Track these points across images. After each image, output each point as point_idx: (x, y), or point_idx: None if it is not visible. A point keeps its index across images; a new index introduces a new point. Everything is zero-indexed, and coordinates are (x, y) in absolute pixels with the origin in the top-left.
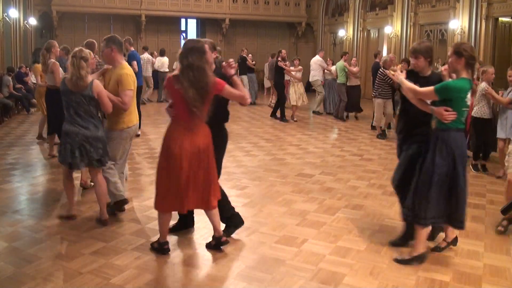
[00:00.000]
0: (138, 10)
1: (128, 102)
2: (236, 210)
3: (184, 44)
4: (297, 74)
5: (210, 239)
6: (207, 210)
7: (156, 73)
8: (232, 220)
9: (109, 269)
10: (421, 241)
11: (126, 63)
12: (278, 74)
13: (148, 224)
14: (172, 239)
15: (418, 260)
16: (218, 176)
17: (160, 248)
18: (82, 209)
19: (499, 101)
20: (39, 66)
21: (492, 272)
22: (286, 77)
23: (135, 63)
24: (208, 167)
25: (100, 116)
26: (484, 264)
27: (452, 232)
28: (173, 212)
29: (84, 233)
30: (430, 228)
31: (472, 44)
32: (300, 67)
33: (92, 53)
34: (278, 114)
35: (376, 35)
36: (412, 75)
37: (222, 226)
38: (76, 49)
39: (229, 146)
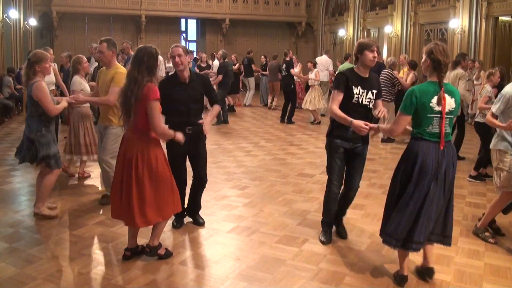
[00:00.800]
0: (138, 11)
1: (113, 99)
2: (237, 210)
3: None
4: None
5: (210, 239)
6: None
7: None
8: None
9: (109, 269)
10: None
11: (119, 64)
12: (288, 76)
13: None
14: (172, 240)
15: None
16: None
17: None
18: (82, 210)
19: None
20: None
21: (493, 272)
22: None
23: None
24: (137, 181)
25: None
26: (485, 263)
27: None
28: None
29: (84, 233)
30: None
31: (473, 44)
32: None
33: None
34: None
35: (376, 34)
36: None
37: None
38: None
39: (230, 146)
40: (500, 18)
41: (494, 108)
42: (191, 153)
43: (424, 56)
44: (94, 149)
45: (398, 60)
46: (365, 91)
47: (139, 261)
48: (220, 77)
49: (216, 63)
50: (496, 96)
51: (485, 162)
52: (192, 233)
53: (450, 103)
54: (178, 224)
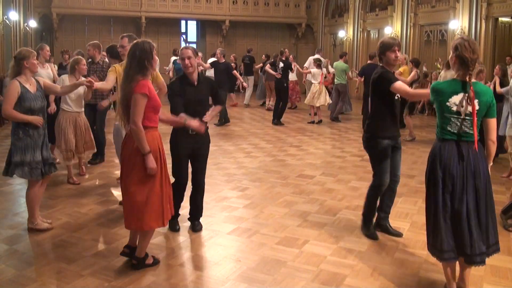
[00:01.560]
0: (138, 12)
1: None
2: (237, 211)
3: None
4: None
5: (211, 241)
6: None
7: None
8: None
9: (110, 271)
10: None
11: None
12: (282, 75)
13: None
14: (172, 241)
15: None
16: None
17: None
18: (82, 211)
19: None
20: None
21: (494, 272)
22: (292, 78)
23: None
24: (125, 182)
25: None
26: (486, 264)
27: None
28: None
29: (85, 235)
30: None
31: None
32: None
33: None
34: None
35: (376, 36)
36: None
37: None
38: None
39: (230, 147)
40: (500, 19)
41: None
42: (195, 154)
43: (450, 52)
44: (90, 145)
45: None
46: None
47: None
48: (208, 65)
49: (210, 60)
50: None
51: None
52: (192, 235)
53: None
54: (177, 227)
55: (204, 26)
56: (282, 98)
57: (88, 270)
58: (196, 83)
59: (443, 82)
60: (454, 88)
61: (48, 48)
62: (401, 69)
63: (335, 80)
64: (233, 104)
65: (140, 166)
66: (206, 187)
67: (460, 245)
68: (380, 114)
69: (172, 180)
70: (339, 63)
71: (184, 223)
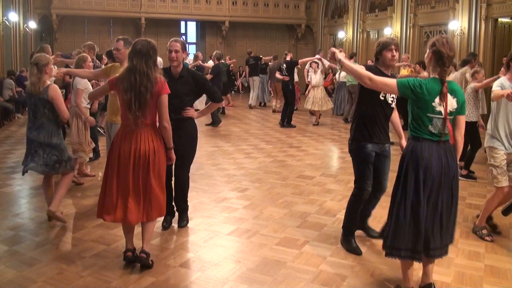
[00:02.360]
0: (138, 13)
1: None
2: (237, 212)
3: (133, 44)
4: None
5: (210, 241)
6: (146, 221)
7: None
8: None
9: (109, 272)
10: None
11: None
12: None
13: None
14: (172, 242)
15: None
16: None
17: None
18: (82, 212)
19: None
20: None
21: (493, 273)
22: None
23: None
24: (147, 176)
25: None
26: (485, 265)
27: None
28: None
29: (84, 236)
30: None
31: (472, 45)
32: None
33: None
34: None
35: (376, 36)
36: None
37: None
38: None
39: (230, 148)
40: (499, 19)
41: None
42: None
43: (427, 50)
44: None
45: (401, 59)
46: None
47: (138, 263)
48: (209, 76)
49: (211, 62)
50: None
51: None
52: (192, 235)
53: (451, 103)
54: (167, 225)
55: (203, 27)
56: (289, 101)
57: (88, 271)
58: (177, 77)
59: (428, 80)
60: (438, 87)
61: (49, 49)
62: (405, 72)
63: (347, 82)
64: (228, 105)
65: (160, 160)
66: (205, 187)
67: (426, 242)
68: (364, 117)
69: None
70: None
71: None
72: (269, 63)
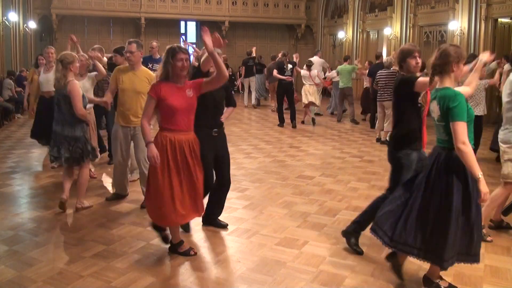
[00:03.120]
0: (138, 13)
1: None
2: (237, 212)
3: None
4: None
5: (210, 241)
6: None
7: None
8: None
9: (110, 272)
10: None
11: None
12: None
13: (149, 227)
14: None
15: None
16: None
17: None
18: (82, 212)
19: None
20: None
21: (493, 273)
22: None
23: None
24: (194, 174)
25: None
26: (485, 265)
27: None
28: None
29: (84, 236)
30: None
31: (472, 45)
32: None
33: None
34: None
35: (376, 36)
36: None
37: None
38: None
39: (230, 148)
40: (499, 20)
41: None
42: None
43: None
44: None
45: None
46: None
47: (138, 263)
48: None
49: None
50: None
51: None
52: (192, 235)
53: (433, 109)
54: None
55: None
56: (290, 102)
57: (88, 271)
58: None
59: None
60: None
61: (53, 50)
62: None
63: (340, 84)
64: None
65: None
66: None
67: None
68: (408, 123)
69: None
70: (345, 67)
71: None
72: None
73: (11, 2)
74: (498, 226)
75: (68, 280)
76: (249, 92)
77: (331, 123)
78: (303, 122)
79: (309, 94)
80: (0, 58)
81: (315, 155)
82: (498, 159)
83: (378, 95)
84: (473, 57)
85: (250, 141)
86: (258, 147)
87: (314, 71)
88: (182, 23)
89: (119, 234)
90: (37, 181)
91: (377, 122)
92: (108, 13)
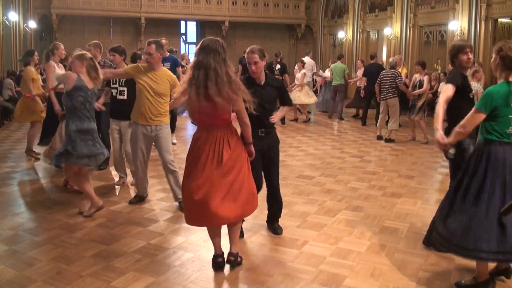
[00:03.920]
0: (138, 13)
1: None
2: None
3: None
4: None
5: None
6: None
7: None
8: None
9: (109, 272)
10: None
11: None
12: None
13: (149, 227)
14: (172, 241)
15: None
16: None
17: (213, 261)
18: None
19: None
20: (29, 69)
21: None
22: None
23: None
24: (240, 175)
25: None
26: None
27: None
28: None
29: (84, 236)
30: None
31: (472, 45)
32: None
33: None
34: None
35: (376, 36)
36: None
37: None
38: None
39: None
40: (499, 20)
41: None
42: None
43: (493, 55)
44: None
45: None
46: None
47: (138, 263)
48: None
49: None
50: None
51: None
52: (192, 235)
53: None
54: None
55: (203, 27)
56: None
57: (87, 270)
58: (262, 84)
59: (497, 86)
60: (508, 89)
61: (63, 47)
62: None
63: (334, 81)
64: None
65: (245, 158)
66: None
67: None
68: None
69: None
70: (338, 65)
71: (183, 224)
72: None
73: (11, 1)
74: None
75: (68, 280)
76: None
77: (331, 123)
78: (296, 120)
79: (298, 94)
80: (0, 58)
81: (315, 155)
82: None
83: (382, 94)
84: None
85: None
86: None
87: (302, 72)
88: (182, 23)
89: (119, 234)
90: (37, 181)
91: (378, 120)
92: (108, 13)
